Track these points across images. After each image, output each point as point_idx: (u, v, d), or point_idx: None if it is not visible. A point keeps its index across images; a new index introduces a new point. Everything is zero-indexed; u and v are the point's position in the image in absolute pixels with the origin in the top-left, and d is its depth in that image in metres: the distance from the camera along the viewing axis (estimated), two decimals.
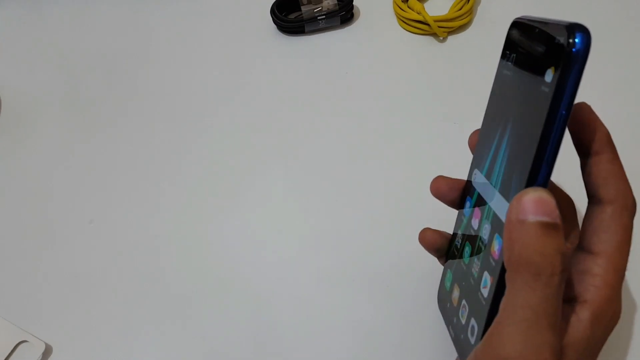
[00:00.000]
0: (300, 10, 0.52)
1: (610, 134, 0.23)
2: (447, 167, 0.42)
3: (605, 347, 0.23)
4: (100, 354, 0.36)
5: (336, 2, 0.52)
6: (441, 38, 0.51)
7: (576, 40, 0.19)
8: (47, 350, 0.36)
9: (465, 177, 0.29)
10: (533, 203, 0.20)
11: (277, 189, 0.43)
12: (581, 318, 0.22)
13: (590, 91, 0.45)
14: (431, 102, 0.47)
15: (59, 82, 0.52)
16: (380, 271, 0.38)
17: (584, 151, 0.24)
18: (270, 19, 0.53)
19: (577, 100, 0.21)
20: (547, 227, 0.20)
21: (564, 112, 0.20)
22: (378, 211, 0.41)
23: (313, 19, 0.51)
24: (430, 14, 0.50)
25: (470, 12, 0.51)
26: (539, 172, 0.21)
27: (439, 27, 0.49)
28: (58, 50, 0.54)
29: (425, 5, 0.53)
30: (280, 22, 0.52)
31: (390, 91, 0.48)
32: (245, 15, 0.55)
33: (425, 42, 0.51)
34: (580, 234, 0.24)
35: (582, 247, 0.23)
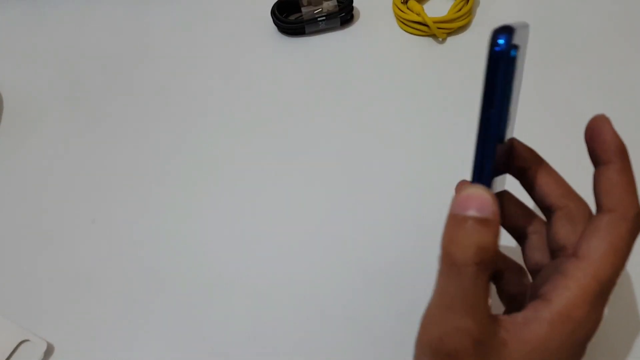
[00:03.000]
0: (300, 11, 0.52)
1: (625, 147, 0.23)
2: (447, 166, 0.42)
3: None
4: (102, 353, 0.37)
5: (336, 3, 0.52)
6: (440, 39, 0.51)
7: (501, 41, 0.20)
8: (49, 350, 0.37)
9: (466, 175, 0.29)
10: (465, 198, 0.22)
11: (277, 188, 0.43)
12: (539, 316, 0.22)
13: (594, 93, 0.46)
14: (431, 102, 0.47)
15: (60, 82, 0.52)
16: (382, 269, 0.38)
17: (595, 161, 0.24)
18: (271, 20, 0.53)
19: (584, 107, 0.21)
20: (468, 220, 0.21)
21: (494, 112, 0.21)
22: (378, 210, 0.41)
23: (313, 20, 0.51)
24: (430, 15, 0.50)
25: (470, 14, 0.51)
26: (478, 171, 0.22)
27: (438, 28, 0.50)
28: (59, 51, 0.54)
29: (425, 6, 0.54)
30: (280, 23, 0.52)
31: (390, 92, 0.48)
32: (245, 16, 0.55)
33: (425, 43, 0.51)
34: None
35: (572, 252, 0.23)
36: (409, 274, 0.38)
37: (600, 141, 0.23)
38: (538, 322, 0.21)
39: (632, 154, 0.24)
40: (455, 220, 0.22)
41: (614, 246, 0.22)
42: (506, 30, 0.21)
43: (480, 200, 0.21)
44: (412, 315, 0.36)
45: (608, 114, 0.24)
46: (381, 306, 0.37)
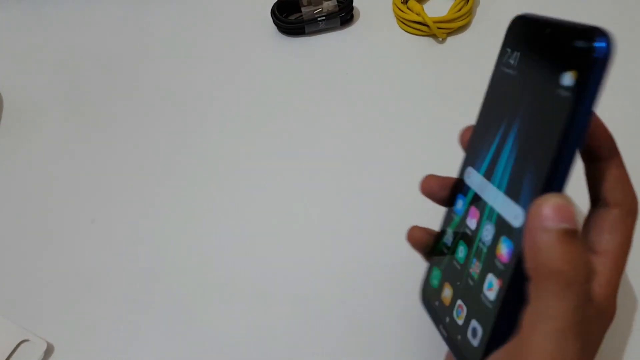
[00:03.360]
0: (300, 11, 0.52)
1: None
2: (447, 167, 0.42)
3: (604, 347, 0.23)
4: (102, 352, 0.37)
5: (336, 3, 0.52)
6: (440, 39, 0.51)
7: (603, 45, 0.19)
8: (49, 349, 0.37)
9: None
10: (556, 210, 0.20)
11: (276, 188, 0.43)
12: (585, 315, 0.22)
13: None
14: (430, 102, 0.47)
15: (60, 82, 0.52)
16: (380, 269, 0.38)
17: (590, 157, 0.24)
18: (271, 20, 0.53)
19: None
20: (570, 234, 0.20)
21: (587, 117, 0.20)
22: (377, 211, 0.41)
23: (313, 20, 0.51)
24: (430, 15, 0.50)
25: (470, 13, 0.51)
26: (557, 178, 0.20)
27: (438, 28, 0.50)
28: (59, 51, 0.55)
29: (425, 6, 0.54)
30: (280, 23, 0.52)
31: (390, 92, 0.48)
32: (245, 16, 0.55)
33: (425, 43, 0.51)
34: (582, 234, 0.24)
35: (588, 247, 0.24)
36: (409, 274, 0.38)
37: (597, 137, 0.23)
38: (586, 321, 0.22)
39: (633, 154, 0.24)
40: (554, 235, 0.20)
41: (625, 239, 0.23)
42: (604, 33, 0.19)
43: (569, 210, 0.20)
44: (412, 316, 0.36)
45: (607, 114, 0.24)
46: (381, 306, 0.37)
